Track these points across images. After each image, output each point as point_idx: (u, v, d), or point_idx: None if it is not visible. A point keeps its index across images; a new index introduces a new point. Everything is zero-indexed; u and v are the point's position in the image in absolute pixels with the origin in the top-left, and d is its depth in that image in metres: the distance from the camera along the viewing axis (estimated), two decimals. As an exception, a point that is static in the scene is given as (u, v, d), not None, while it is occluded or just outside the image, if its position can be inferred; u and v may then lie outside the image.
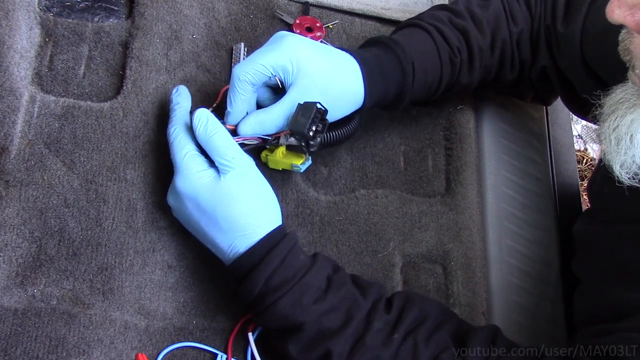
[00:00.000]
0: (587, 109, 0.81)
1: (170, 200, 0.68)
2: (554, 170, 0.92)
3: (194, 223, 0.67)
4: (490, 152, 0.88)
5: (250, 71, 0.68)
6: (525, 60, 0.81)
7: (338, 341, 0.62)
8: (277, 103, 0.69)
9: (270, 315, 0.63)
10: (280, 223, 0.67)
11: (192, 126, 0.67)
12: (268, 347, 0.70)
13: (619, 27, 0.59)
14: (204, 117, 0.66)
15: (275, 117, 0.69)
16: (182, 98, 0.70)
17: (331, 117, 0.72)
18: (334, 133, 0.74)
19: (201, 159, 0.66)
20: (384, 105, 0.78)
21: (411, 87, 0.75)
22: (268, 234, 0.64)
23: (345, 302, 0.64)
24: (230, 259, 0.65)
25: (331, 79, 0.70)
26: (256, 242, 0.64)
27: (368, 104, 0.73)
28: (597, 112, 0.62)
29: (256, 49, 0.70)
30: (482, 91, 0.89)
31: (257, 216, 0.65)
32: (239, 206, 0.64)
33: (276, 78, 0.69)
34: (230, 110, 0.70)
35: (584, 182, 1.88)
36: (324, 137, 0.73)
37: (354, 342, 0.63)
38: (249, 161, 0.67)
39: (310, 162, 0.74)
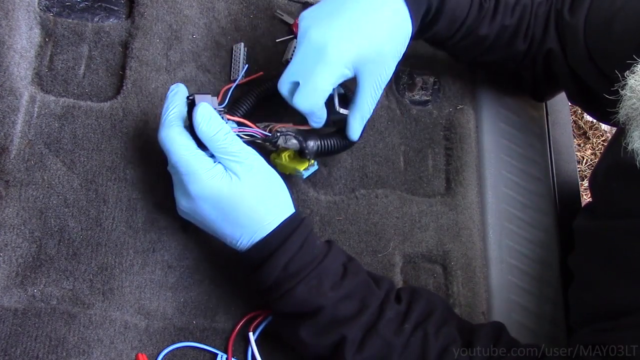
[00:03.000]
0: (593, 105, 0.81)
1: (183, 204, 0.65)
2: (554, 170, 0.92)
3: (209, 222, 0.65)
4: (490, 152, 0.88)
5: (320, 101, 0.68)
6: (537, 35, 0.80)
7: (352, 328, 0.63)
8: (358, 95, 0.70)
9: (287, 300, 0.63)
10: (293, 210, 0.67)
11: (192, 122, 0.63)
12: (271, 340, 0.70)
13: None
14: (207, 113, 0.63)
15: (370, 100, 0.71)
16: (178, 97, 0.66)
17: (393, 53, 0.70)
18: (329, 141, 0.74)
19: (205, 156, 0.64)
20: (422, 26, 0.76)
21: (443, 14, 0.74)
22: (284, 221, 0.64)
23: (361, 290, 0.65)
24: (246, 247, 0.65)
25: (381, 38, 0.68)
26: (273, 229, 0.64)
27: (415, 22, 0.72)
28: (621, 87, 0.60)
29: (256, 49, 0.70)
30: (490, 66, 0.87)
31: (273, 205, 0.65)
32: (256, 199, 0.64)
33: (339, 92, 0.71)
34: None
35: (584, 182, 1.88)
36: (319, 144, 0.73)
37: (367, 329, 0.63)
38: (254, 154, 0.65)
39: (315, 167, 0.74)
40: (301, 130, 0.72)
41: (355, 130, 0.73)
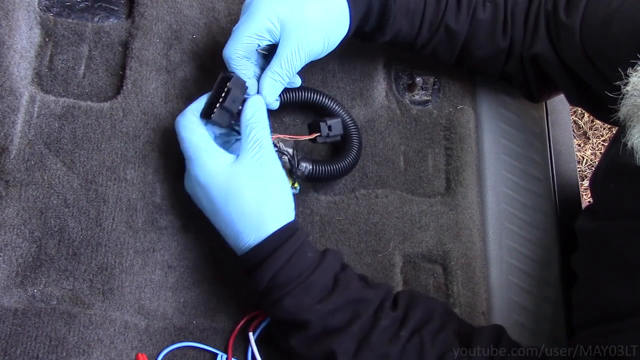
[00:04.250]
0: (594, 105, 0.80)
1: (187, 186, 0.69)
2: (554, 170, 0.92)
3: (208, 210, 0.67)
4: (490, 152, 0.88)
5: (239, 48, 0.69)
6: (518, 35, 0.80)
7: (342, 339, 0.63)
8: (277, 53, 0.70)
9: (276, 310, 0.64)
10: (292, 219, 0.67)
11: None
12: (271, 340, 0.70)
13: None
14: (261, 106, 0.67)
15: (285, 62, 0.70)
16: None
17: (325, 48, 0.72)
18: (322, 167, 0.74)
19: (213, 143, 0.66)
20: (367, 31, 0.77)
21: (394, 4, 0.74)
22: (278, 230, 0.64)
23: (352, 300, 0.65)
24: (241, 250, 0.65)
25: (313, 8, 0.70)
26: (265, 238, 0.64)
27: (354, 21, 0.73)
28: (623, 88, 0.59)
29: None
30: (480, 66, 0.86)
31: (269, 210, 0.65)
32: (251, 198, 0.64)
33: (264, 43, 0.70)
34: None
35: (584, 182, 1.88)
36: (311, 169, 0.73)
37: (360, 339, 0.63)
38: (272, 156, 0.67)
39: (297, 191, 0.73)
40: (298, 150, 0.73)
41: (262, 86, 0.71)
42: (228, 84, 0.67)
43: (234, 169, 0.64)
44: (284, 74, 0.70)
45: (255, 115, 0.67)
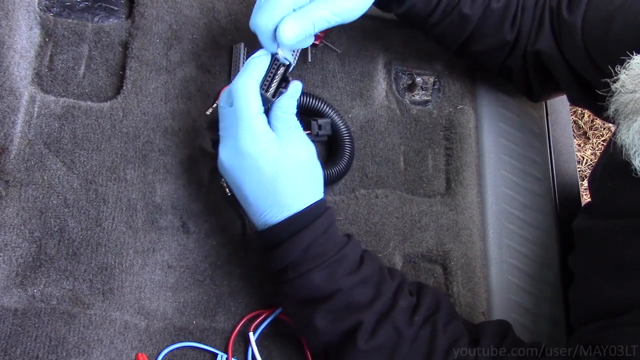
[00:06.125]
0: (593, 103, 0.80)
1: (225, 156, 0.65)
2: (554, 170, 0.92)
3: (242, 183, 0.65)
4: (490, 152, 0.88)
5: (276, 11, 0.65)
6: (524, 30, 0.80)
7: (367, 314, 0.63)
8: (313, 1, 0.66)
9: (303, 283, 0.64)
10: (322, 196, 0.67)
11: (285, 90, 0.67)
12: (271, 340, 0.71)
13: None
14: (298, 92, 0.68)
15: (320, 7, 0.66)
16: (261, 62, 0.67)
17: (357, 11, 0.70)
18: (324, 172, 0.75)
19: (265, 119, 0.66)
20: None
21: None
22: (311, 204, 0.65)
23: (376, 276, 0.66)
24: (266, 225, 0.65)
25: None
26: (299, 210, 0.64)
27: None
28: (613, 85, 0.60)
29: (256, 49, 0.70)
30: (481, 57, 0.85)
31: (301, 188, 0.65)
32: (287, 175, 0.64)
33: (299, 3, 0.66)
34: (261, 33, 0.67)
35: (584, 182, 1.88)
36: None
37: (381, 316, 0.64)
38: (302, 135, 0.67)
39: None
40: None
41: (283, 24, 0.65)
42: (282, 68, 0.68)
43: (274, 150, 0.64)
44: (309, 21, 0.66)
45: (292, 101, 0.67)
